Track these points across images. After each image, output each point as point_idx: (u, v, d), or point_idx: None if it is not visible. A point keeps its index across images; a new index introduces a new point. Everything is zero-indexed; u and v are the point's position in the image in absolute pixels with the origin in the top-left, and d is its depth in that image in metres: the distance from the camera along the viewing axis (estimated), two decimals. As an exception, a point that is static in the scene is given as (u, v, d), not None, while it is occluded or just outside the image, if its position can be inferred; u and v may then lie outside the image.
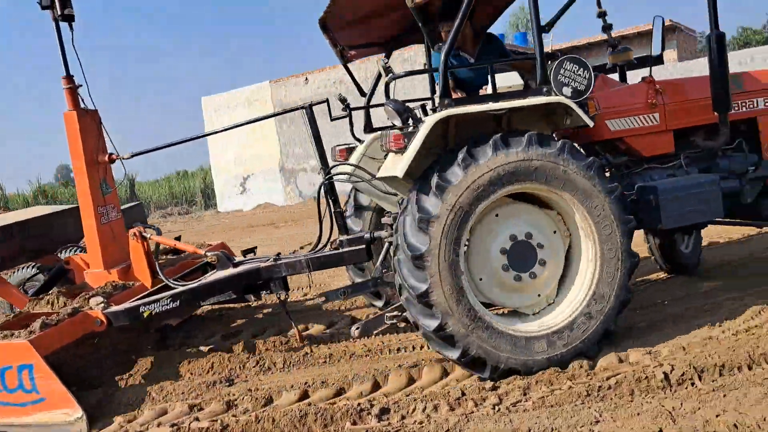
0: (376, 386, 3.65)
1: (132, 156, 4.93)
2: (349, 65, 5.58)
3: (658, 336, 3.92)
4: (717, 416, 2.76)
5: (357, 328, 3.94)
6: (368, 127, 5.10)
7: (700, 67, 15.03)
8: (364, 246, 4.30)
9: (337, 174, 4.55)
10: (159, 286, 4.44)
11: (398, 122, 3.61)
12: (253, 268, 4.28)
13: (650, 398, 3.04)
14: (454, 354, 3.44)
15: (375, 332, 4.21)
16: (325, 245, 4.47)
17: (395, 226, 3.64)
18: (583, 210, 3.53)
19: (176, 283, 4.37)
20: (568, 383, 3.31)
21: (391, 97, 4.31)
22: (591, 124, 3.60)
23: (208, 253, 4.53)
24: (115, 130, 4.83)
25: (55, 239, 5.34)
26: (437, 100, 3.56)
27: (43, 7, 4.28)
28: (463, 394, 3.31)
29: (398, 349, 4.29)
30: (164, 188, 29.05)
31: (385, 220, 4.46)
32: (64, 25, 4.48)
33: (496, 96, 3.54)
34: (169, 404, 3.69)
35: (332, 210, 4.61)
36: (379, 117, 4.71)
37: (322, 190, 4.49)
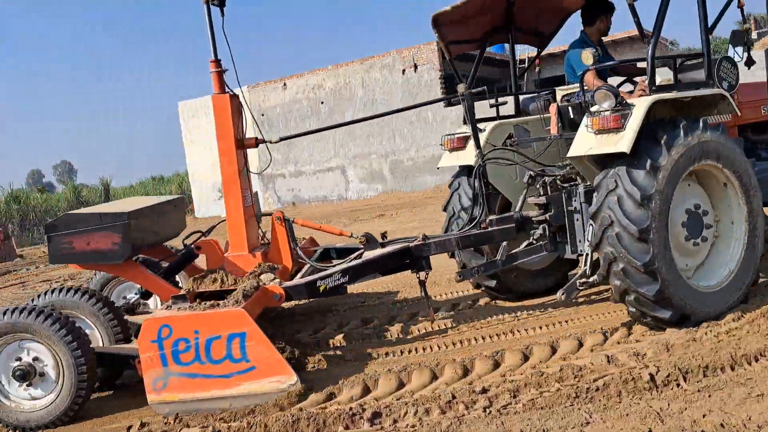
0: (366, 391, 3.65)
1: (280, 140, 5.06)
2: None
3: (642, 337, 4.00)
4: (704, 416, 2.82)
5: (562, 294, 4.22)
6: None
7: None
8: (513, 224, 4.55)
9: (494, 158, 4.81)
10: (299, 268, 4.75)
11: (611, 104, 3.90)
12: (404, 247, 4.49)
13: (638, 399, 3.09)
14: (668, 314, 3.90)
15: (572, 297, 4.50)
16: (474, 225, 4.69)
17: (599, 204, 3.94)
18: (737, 182, 4.21)
19: (319, 264, 4.65)
20: (557, 385, 3.36)
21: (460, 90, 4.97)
22: (739, 113, 4.46)
23: (356, 235, 4.83)
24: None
25: (160, 230, 5.02)
26: (641, 87, 4.40)
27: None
28: (454, 397, 3.33)
29: (386, 354, 4.31)
30: (139, 194, 28.68)
31: (533, 200, 4.64)
32: (215, 11, 4.50)
33: (671, 87, 4.13)
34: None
35: (484, 191, 4.78)
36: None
37: (479, 172, 4.76)
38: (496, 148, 4.93)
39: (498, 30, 5.41)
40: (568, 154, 4.18)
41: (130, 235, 4.24)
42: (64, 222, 4.25)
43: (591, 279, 4.13)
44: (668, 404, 2.99)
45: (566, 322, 4.60)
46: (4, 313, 3.70)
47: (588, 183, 4.36)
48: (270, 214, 4.91)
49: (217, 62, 4.60)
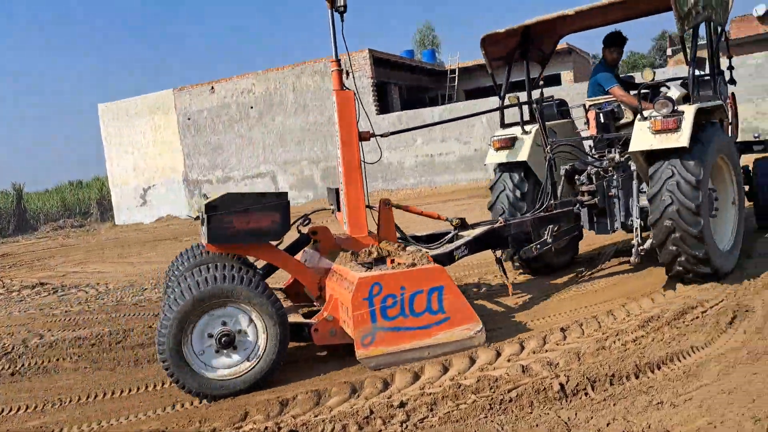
0: (283, 407, 3.59)
1: (387, 135, 5.76)
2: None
3: (557, 346, 4.13)
4: (608, 425, 2.93)
5: (635, 258, 5.17)
6: (528, 122, 6.29)
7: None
8: (572, 207, 5.67)
9: (557, 152, 5.86)
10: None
11: (668, 111, 4.86)
12: (491, 228, 5.21)
13: (548, 409, 3.18)
14: (708, 269, 4.93)
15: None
16: (543, 209, 5.53)
17: (659, 188, 4.90)
18: (733, 170, 5.52)
19: (418, 244, 5.14)
20: (473, 397, 3.41)
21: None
22: (731, 120, 6.19)
23: (451, 218, 5.50)
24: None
25: None
26: (679, 99, 5.46)
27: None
28: (372, 412, 3.32)
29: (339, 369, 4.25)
30: (55, 199, 27.23)
31: (585, 188, 5.74)
32: (337, 16, 5.04)
33: (689, 99, 5.15)
34: None
35: (552, 180, 5.70)
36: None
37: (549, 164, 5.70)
38: (560, 143, 5.95)
39: (515, 51, 6.32)
40: (630, 149, 5.08)
41: (288, 215, 4.38)
42: (224, 202, 4.17)
43: (646, 245, 5.15)
44: (576, 413, 3.09)
45: (487, 332, 4.68)
46: (212, 279, 3.81)
47: (623, 174, 5.52)
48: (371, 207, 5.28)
49: (338, 62, 5.05)
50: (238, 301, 3.86)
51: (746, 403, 2.92)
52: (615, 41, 6.36)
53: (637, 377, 3.46)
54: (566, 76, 23.33)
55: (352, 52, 18.53)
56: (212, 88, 20.78)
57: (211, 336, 3.84)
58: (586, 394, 3.32)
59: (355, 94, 5.08)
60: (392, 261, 4.43)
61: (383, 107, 20.36)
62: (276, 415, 3.50)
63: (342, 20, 5.01)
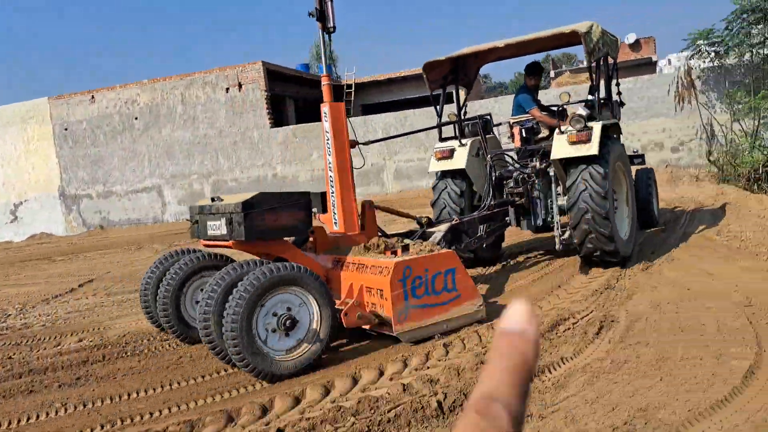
0: (193, 429, 3.36)
1: (367, 143, 6.19)
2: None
3: (438, 362, 4.16)
4: (481, 441, 2.97)
5: (559, 247, 6.22)
6: (462, 135, 7.31)
7: (489, 104, 16.72)
8: (507, 207, 6.76)
9: (497, 159, 7.14)
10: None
11: (581, 126, 5.98)
12: (452, 225, 6.01)
13: (424, 428, 3.18)
14: (617, 258, 6.10)
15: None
16: (484, 208, 6.60)
17: (576, 199, 5.99)
18: (626, 172, 6.83)
19: (389, 237, 5.47)
20: (352, 419, 3.35)
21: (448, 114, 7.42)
22: (623, 134, 7.61)
23: (420, 218, 6.27)
24: None
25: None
26: (582, 117, 6.11)
27: (317, 20, 5.38)
28: None
29: (214, 395, 4.03)
30: None
31: (514, 190, 6.86)
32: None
33: (593, 118, 6.24)
34: None
35: (492, 184, 6.77)
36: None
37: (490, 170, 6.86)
38: (497, 153, 7.12)
39: (449, 76, 7.35)
40: (552, 157, 6.15)
41: (310, 214, 4.90)
42: (259, 200, 4.53)
43: (565, 235, 6.22)
44: (451, 431, 3.10)
45: (368, 352, 4.64)
46: (277, 269, 4.13)
47: (543, 179, 6.62)
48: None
49: (328, 76, 5.46)
50: (301, 287, 4.24)
51: (607, 411, 3.07)
52: (534, 70, 7.60)
53: (511, 390, 3.54)
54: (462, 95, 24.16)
55: (245, 64, 18.10)
56: (92, 97, 19.55)
57: (275, 320, 4.19)
58: (463, 410, 3.34)
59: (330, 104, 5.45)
60: (402, 250, 4.97)
61: (278, 120, 20.08)
62: (141, 451, 3.26)
63: (330, 40, 5.54)
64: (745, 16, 12.74)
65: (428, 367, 4.13)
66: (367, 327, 4.67)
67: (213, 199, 4.91)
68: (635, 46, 28.77)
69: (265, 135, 18.40)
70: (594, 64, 6.35)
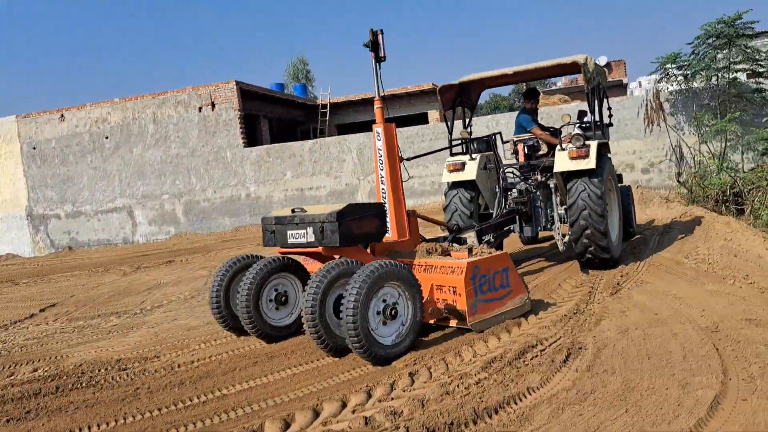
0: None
1: (410, 159, 6.70)
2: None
3: (403, 393, 4.05)
4: (442, 479, 2.86)
5: (563, 247, 7.25)
6: (468, 151, 8.17)
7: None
8: (515, 215, 7.68)
9: (508, 172, 8.13)
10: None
11: (580, 144, 6.92)
12: (477, 229, 6.95)
13: (385, 466, 3.06)
14: (608, 256, 6.95)
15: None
16: (497, 215, 7.65)
17: (575, 198, 6.90)
18: (614, 181, 7.81)
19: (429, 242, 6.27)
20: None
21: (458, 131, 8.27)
22: (611, 152, 8.36)
23: (451, 225, 7.31)
24: None
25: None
26: (580, 137, 7.06)
27: (371, 50, 6.09)
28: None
29: (169, 430, 3.84)
30: None
31: (518, 199, 7.67)
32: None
33: (594, 137, 7.32)
34: None
35: (502, 194, 7.82)
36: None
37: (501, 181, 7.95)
38: (507, 167, 8.09)
39: (458, 99, 8.28)
40: (555, 170, 7.09)
41: (385, 222, 5.71)
42: (349, 210, 5.17)
43: (566, 239, 7.14)
44: (412, 470, 2.99)
45: (330, 378, 4.52)
46: (386, 264, 4.76)
47: (544, 191, 7.58)
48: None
49: (381, 99, 6.12)
50: (401, 282, 4.85)
51: (570, 446, 2.98)
52: (532, 95, 8.59)
53: (475, 423, 3.45)
54: (432, 115, 24.29)
55: (218, 83, 18.00)
56: (62, 116, 19.22)
57: (383, 307, 4.79)
58: (424, 446, 3.24)
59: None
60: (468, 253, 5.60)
61: (252, 139, 19.93)
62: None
63: (380, 68, 6.15)
64: (710, 41, 13.02)
65: (392, 398, 4.01)
66: (432, 321, 5.34)
67: (293, 210, 5.41)
68: (606, 68, 29.31)
69: (238, 154, 18.23)
70: (589, 91, 7.35)
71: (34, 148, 19.43)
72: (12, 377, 5.39)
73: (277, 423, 3.71)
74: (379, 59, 6.10)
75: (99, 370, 5.24)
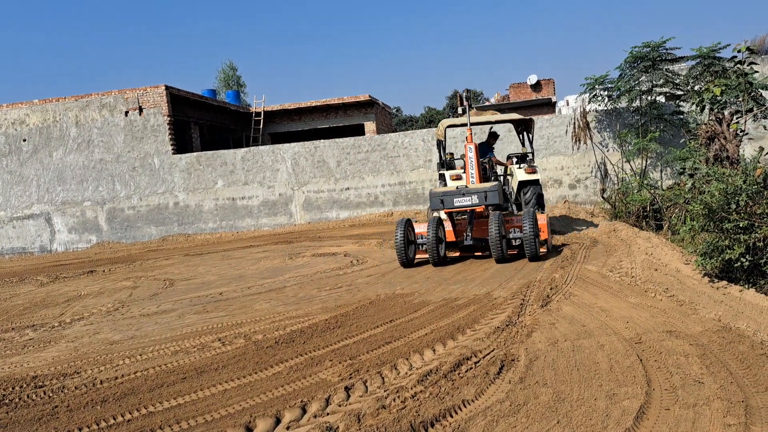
0: None
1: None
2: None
3: (339, 408, 3.98)
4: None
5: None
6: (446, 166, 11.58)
7: (399, 138, 16.90)
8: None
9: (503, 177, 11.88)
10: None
11: (533, 165, 11.43)
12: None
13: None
14: (545, 248, 9.60)
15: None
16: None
17: (531, 195, 11.10)
18: (538, 192, 11.71)
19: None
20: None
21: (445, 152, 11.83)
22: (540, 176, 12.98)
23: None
24: None
25: None
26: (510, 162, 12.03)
27: (466, 99, 10.51)
28: None
29: None
30: None
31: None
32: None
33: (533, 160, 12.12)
34: None
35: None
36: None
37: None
38: (497, 176, 11.28)
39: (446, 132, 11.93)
40: (518, 179, 11.19)
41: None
42: (497, 187, 9.27)
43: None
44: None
45: (264, 393, 4.39)
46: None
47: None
48: None
49: (471, 130, 10.22)
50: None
51: (506, 459, 3.01)
52: (494, 136, 12.17)
53: (412, 439, 3.43)
54: (369, 126, 24.40)
55: (146, 87, 17.47)
56: (-25, 115, 18.04)
57: None
58: (361, 462, 3.19)
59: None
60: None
61: (182, 146, 19.35)
62: None
63: (469, 110, 10.29)
64: (636, 63, 13.75)
65: (328, 414, 3.94)
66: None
67: (457, 188, 9.31)
68: (536, 86, 30.39)
69: (167, 161, 17.66)
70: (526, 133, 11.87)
71: (-58, 149, 18.15)
72: None
73: (207, 442, 3.56)
74: (468, 106, 10.41)
75: (13, 388, 4.90)
